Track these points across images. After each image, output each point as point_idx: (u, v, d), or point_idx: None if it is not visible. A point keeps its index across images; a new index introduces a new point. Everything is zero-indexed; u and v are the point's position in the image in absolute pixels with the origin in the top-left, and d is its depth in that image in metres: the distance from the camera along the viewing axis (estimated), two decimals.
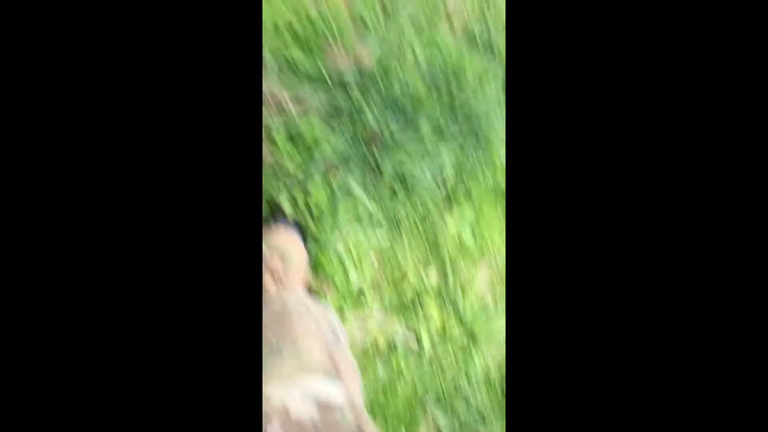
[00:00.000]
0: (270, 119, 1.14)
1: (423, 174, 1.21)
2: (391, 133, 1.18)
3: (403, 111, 1.20)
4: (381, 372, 1.11)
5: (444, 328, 1.17)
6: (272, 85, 1.14)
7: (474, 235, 1.27)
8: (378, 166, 1.19)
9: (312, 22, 1.17)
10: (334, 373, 0.71)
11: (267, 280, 1.04)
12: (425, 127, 1.21)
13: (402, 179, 1.21)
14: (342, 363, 0.76)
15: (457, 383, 1.14)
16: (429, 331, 1.16)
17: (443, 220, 1.25)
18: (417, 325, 1.15)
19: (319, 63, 1.16)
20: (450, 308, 1.19)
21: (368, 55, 1.18)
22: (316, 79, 1.16)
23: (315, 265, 1.11)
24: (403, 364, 1.12)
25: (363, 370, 1.10)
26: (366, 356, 1.11)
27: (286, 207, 1.12)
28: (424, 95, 1.23)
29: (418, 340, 1.14)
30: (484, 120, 1.30)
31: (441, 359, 1.15)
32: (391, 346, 1.13)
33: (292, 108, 1.15)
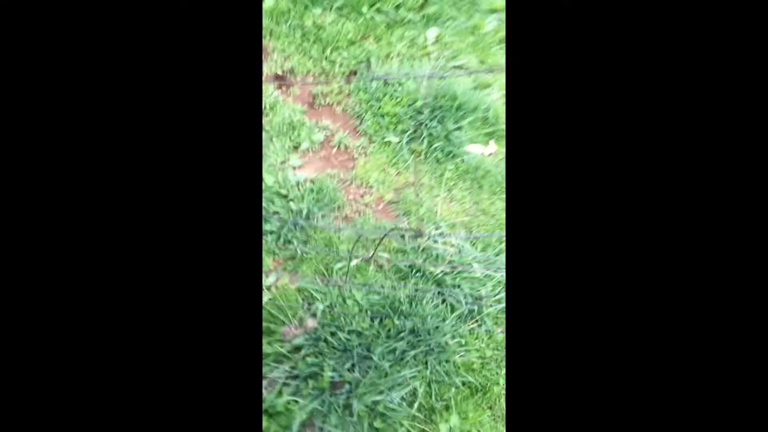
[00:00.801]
0: None
1: (393, 401, 1.30)
2: (352, 377, 1.32)
3: (358, 353, 1.37)
4: None
5: None
6: None
7: None
8: (349, 409, 1.29)
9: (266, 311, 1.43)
10: None
11: None
12: (381, 360, 1.36)
13: (375, 413, 1.29)
14: None
15: None
16: None
17: None
18: None
19: (276, 344, 1.38)
20: None
21: (313, 321, 1.41)
22: (278, 356, 1.36)
23: None
24: None
25: None
26: None
27: None
28: (371, 332, 1.42)
29: None
30: (435, 331, 1.46)
31: None
32: None
33: (264, 390, 1.32)
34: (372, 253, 1.53)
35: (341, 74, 1.99)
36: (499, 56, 1.99)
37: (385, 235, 1.55)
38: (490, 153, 1.84)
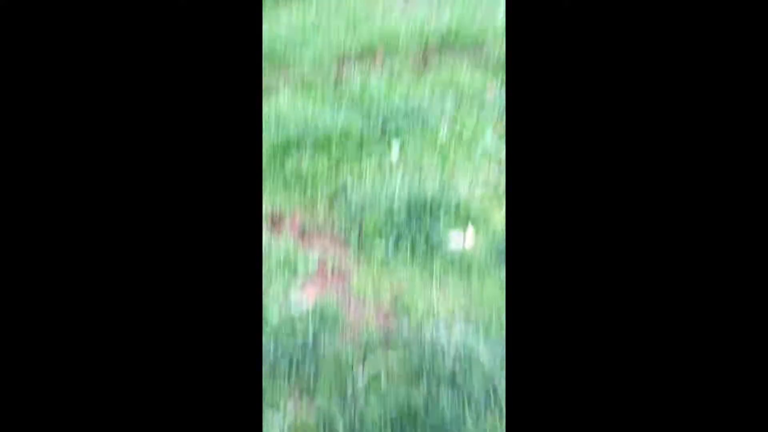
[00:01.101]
0: None
1: None
2: None
3: None
4: None
5: None
6: None
7: None
8: None
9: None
10: None
11: None
12: None
13: None
14: None
15: None
16: None
17: None
18: None
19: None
20: None
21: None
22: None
23: None
24: None
25: None
26: None
27: None
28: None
29: None
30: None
31: None
32: None
33: None
34: (367, 367, 1.57)
35: (322, 203, 2.18)
36: (459, 156, 2.22)
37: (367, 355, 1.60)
38: (468, 244, 1.95)
